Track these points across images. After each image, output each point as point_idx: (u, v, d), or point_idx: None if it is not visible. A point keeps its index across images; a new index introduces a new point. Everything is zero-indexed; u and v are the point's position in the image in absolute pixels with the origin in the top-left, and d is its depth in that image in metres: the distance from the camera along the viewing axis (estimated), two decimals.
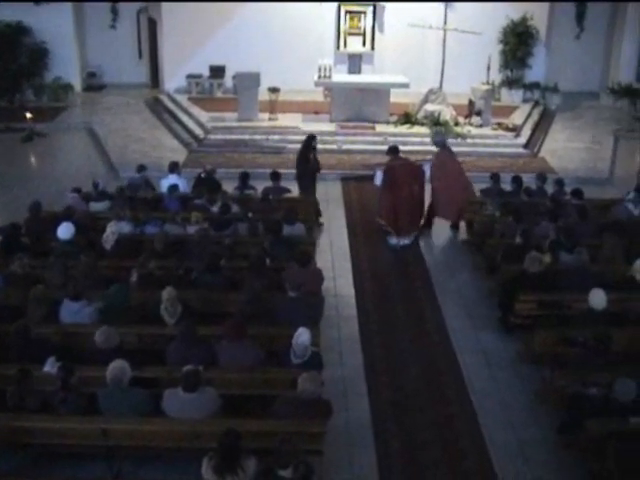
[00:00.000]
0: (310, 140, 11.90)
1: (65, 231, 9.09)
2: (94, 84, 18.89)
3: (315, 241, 10.03)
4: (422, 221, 11.39)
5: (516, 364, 8.22)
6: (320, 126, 16.04)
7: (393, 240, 11.14)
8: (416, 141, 14.68)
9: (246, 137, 15.59)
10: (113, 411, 6.19)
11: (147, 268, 8.19)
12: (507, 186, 11.54)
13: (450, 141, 15.26)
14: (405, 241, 11.15)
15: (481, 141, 15.69)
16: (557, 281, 8.50)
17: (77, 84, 18.46)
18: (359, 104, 16.18)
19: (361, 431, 7.12)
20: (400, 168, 11.03)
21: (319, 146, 15.27)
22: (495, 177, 11.50)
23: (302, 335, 6.69)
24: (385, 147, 14.67)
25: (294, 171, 13.90)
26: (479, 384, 7.90)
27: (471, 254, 10.77)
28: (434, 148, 12.15)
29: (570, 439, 6.71)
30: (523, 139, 15.99)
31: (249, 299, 7.60)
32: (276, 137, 15.62)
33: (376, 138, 15.59)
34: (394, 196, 10.94)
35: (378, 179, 11.07)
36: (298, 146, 15.21)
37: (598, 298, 7.65)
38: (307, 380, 6.07)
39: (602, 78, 18.94)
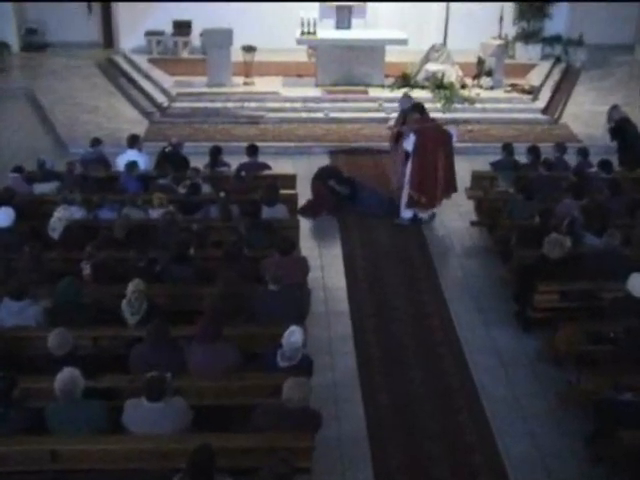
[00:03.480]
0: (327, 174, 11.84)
1: (4, 217, 9.01)
2: (35, 43, 18.61)
3: (299, 225, 10.00)
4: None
5: (535, 365, 8.26)
6: (304, 91, 15.98)
7: (409, 214, 11.25)
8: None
9: (218, 105, 15.51)
10: (64, 429, 6.13)
11: (98, 258, 8.15)
12: (523, 158, 11.54)
13: (456, 106, 15.35)
14: (424, 215, 11.30)
15: (492, 106, 15.67)
16: (583, 268, 8.52)
17: (14, 43, 18.16)
18: (349, 65, 16.11)
19: (356, 445, 7.13)
20: (430, 131, 11.08)
21: (303, 115, 15.37)
22: (508, 148, 11.49)
23: (294, 334, 6.70)
24: (380, 115, 14.87)
25: (274, 144, 13.95)
26: (492, 388, 7.93)
27: (481, 238, 10.79)
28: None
29: (601, 452, 6.74)
30: (542, 103, 15.99)
31: (223, 293, 7.58)
32: (253, 104, 15.55)
33: (369, 104, 15.53)
34: (424, 162, 10.99)
35: (410, 143, 10.98)
36: (278, 115, 15.34)
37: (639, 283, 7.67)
38: (293, 387, 6.06)
39: (637, 28, 18.83)
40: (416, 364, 8.30)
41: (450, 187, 11.33)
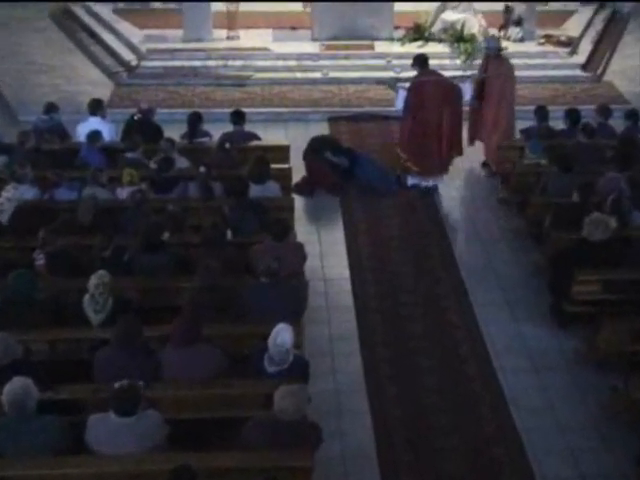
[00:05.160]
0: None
1: None
2: None
3: (293, 205, 10.00)
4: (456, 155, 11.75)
5: (574, 368, 8.27)
6: (298, 46, 15.93)
7: (414, 180, 11.46)
8: (431, 64, 14.56)
9: (196, 64, 15.49)
10: (14, 449, 6.09)
11: (54, 245, 8.12)
12: (559, 124, 11.51)
13: (480, 62, 15.26)
14: (429, 183, 11.43)
15: (522, 62, 15.53)
16: (630, 253, 8.52)
17: None
18: (351, 15, 16.03)
19: (362, 463, 7.15)
20: (430, 86, 11.25)
21: (297, 75, 15.31)
22: (541, 111, 11.46)
23: (281, 334, 6.70)
24: (388, 75, 14.80)
25: (264, 110, 13.92)
26: (524, 396, 7.93)
27: (509, 217, 10.80)
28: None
29: None
30: (581, 57, 15.94)
31: (204, 286, 7.58)
32: (238, 63, 15.53)
33: (376, 61, 15.50)
34: (420, 123, 11.22)
35: (400, 100, 11.35)
36: (268, 75, 15.27)
37: None
38: (286, 395, 6.07)
39: None
40: (432, 368, 8.31)
41: (453, 151, 11.57)
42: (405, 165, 11.55)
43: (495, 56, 12.07)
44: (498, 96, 11.73)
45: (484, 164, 12.13)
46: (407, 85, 11.50)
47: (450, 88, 11.40)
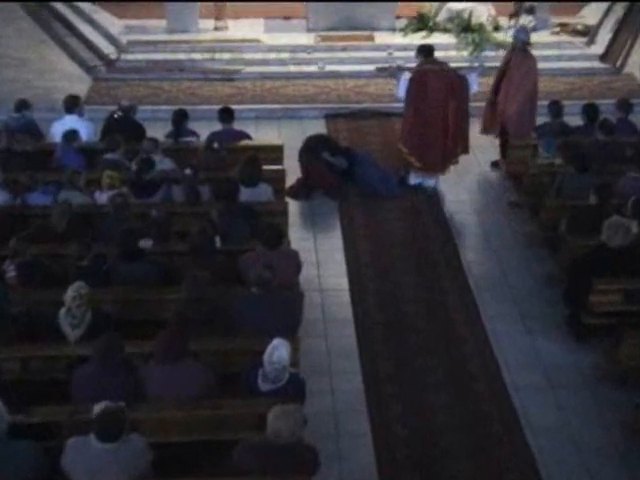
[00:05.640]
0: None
1: None
2: None
3: (287, 209, 10.00)
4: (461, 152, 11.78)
5: (593, 385, 8.27)
6: (292, 38, 15.98)
7: (417, 179, 11.58)
8: (436, 56, 14.60)
9: (181, 57, 15.55)
10: None
11: (25, 255, 8.12)
12: (575, 120, 11.53)
13: (488, 54, 15.33)
14: (430, 182, 11.53)
15: (535, 53, 15.53)
16: None
17: None
18: (350, 4, 16.05)
19: None
20: (433, 76, 11.34)
21: (291, 68, 15.33)
22: (555, 106, 11.49)
23: (278, 349, 6.71)
24: (390, 65, 14.81)
25: (255, 107, 13.92)
26: (538, 415, 7.92)
27: (521, 221, 10.82)
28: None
29: None
30: (599, 47, 15.98)
31: (191, 298, 7.58)
32: (226, 56, 15.57)
33: (376, 54, 15.53)
34: (422, 115, 11.33)
35: (402, 89, 11.43)
36: (259, 69, 15.28)
37: None
38: (281, 416, 6.06)
39: None
40: (439, 385, 8.30)
41: (458, 147, 11.59)
42: (406, 160, 11.58)
43: (521, 50, 12.11)
44: (515, 90, 11.77)
45: (493, 164, 12.16)
46: (410, 74, 11.57)
47: (455, 79, 11.46)
